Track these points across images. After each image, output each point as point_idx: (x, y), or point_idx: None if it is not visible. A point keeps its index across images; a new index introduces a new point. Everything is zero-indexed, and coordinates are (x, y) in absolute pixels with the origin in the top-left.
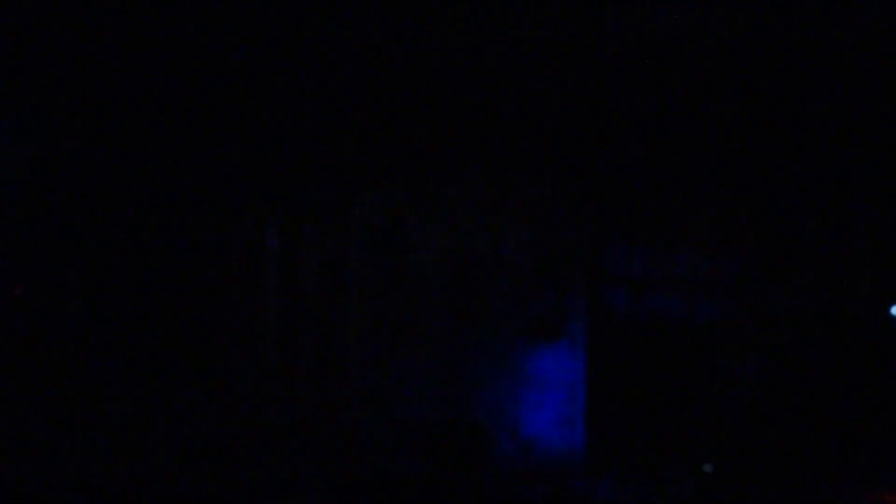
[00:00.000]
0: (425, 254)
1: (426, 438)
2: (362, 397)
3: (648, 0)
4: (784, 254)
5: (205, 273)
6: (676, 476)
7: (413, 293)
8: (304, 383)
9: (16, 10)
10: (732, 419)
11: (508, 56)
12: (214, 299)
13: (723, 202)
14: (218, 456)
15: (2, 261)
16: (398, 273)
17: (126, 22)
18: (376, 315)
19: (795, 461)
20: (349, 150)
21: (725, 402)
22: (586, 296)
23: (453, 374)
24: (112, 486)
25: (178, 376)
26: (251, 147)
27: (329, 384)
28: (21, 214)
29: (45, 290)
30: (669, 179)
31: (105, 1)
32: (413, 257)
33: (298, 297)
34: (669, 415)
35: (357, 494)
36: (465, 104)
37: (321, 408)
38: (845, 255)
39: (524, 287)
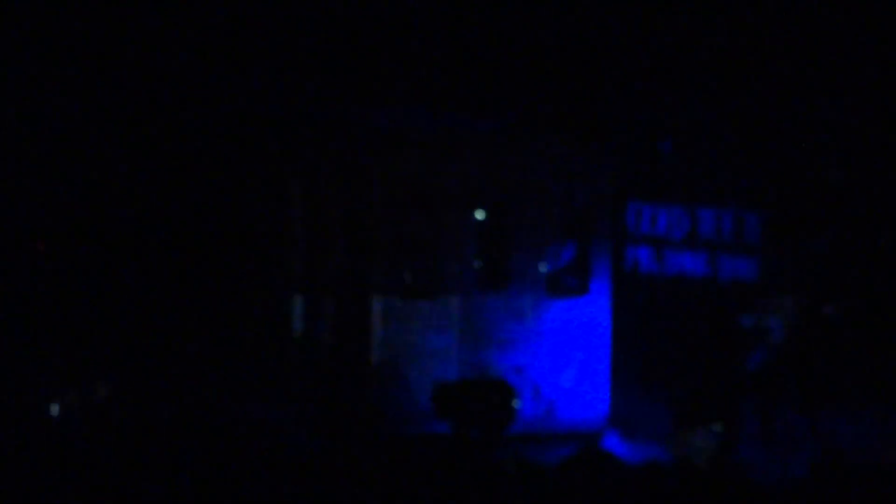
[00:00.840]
0: (448, 212)
1: (450, 399)
2: (386, 359)
3: None
4: (806, 213)
5: (230, 236)
6: (692, 436)
7: (436, 250)
8: (328, 346)
9: None
10: (754, 378)
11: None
12: (239, 262)
13: (746, 161)
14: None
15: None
16: (422, 231)
17: None
18: (400, 273)
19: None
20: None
21: (748, 361)
22: (609, 254)
23: (477, 334)
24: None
25: (203, 342)
26: (278, 107)
27: (352, 347)
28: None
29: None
30: (692, 139)
31: None
32: (436, 215)
33: (321, 255)
34: (691, 374)
35: (381, 454)
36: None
37: (346, 367)
38: (868, 214)
39: (549, 245)
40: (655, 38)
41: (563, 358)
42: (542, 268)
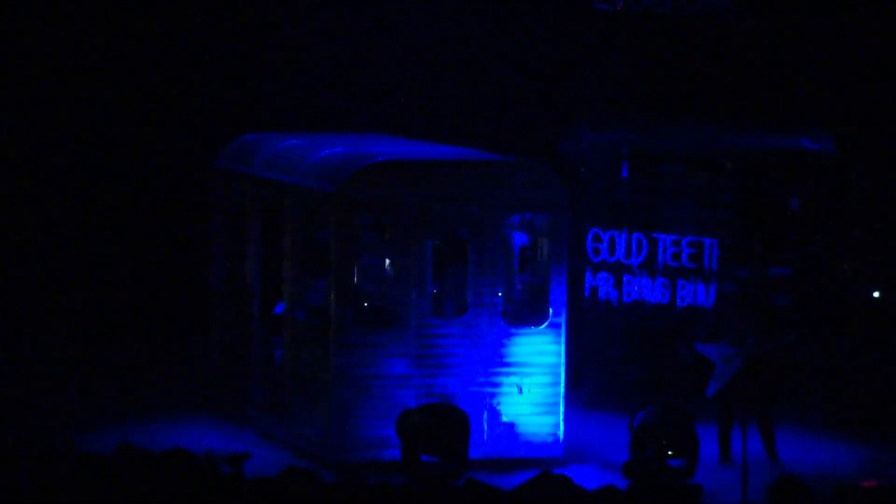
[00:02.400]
0: (405, 240)
1: (408, 426)
2: (343, 383)
3: None
4: (765, 239)
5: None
6: (647, 463)
7: (393, 278)
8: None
9: None
10: (715, 406)
11: None
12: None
13: (705, 188)
14: None
15: None
16: (379, 259)
17: None
18: (356, 300)
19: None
20: None
21: (706, 388)
22: (567, 281)
23: (435, 361)
24: None
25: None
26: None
27: (309, 367)
28: None
29: None
30: (651, 165)
31: None
32: (393, 242)
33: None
34: (649, 401)
35: (340, 483)
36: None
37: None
38: (828, 240)
39: (506, 273)
40: (613, 64)
41: (520, 385)
42: (500, 295)
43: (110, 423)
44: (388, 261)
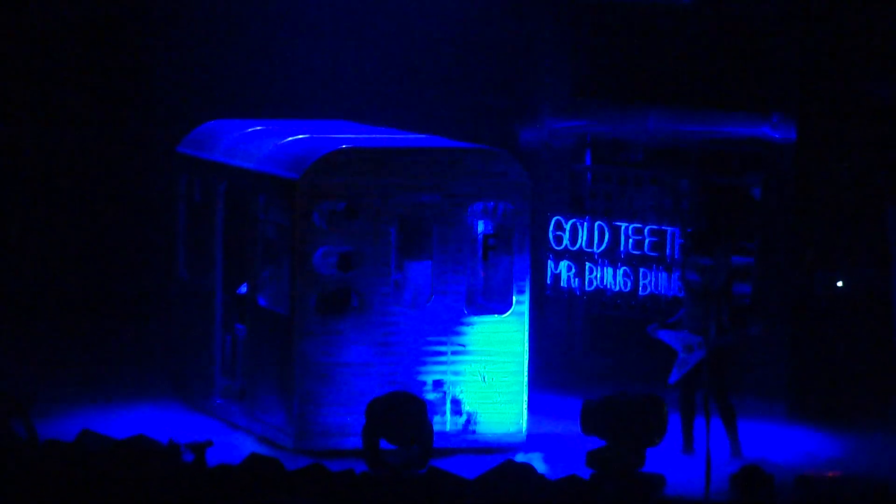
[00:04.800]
0: (367, 227)
1: (370, 414)
2: (306, 371)
3: None
4: (729, 228)
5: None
6: (607, 451)
7: (356, 265)
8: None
9: None
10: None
11: None
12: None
13: (665, 174)
14: None
15: None
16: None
17: None
18: (320, 287)
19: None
20: None
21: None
22: (530, 269)
23: (397, 349)
24: None
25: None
26: None
27: (272, 355)
28: None
29: None
30: (614, 153)
31: None
32: (355, 230)
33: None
34: (611, 390)
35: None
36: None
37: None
38: (792, 229)
39: (469, 261)
40: (576, 52)
41: (483, 373)
42: (463, 283)
43: (73, 410)
44: (350, 248)
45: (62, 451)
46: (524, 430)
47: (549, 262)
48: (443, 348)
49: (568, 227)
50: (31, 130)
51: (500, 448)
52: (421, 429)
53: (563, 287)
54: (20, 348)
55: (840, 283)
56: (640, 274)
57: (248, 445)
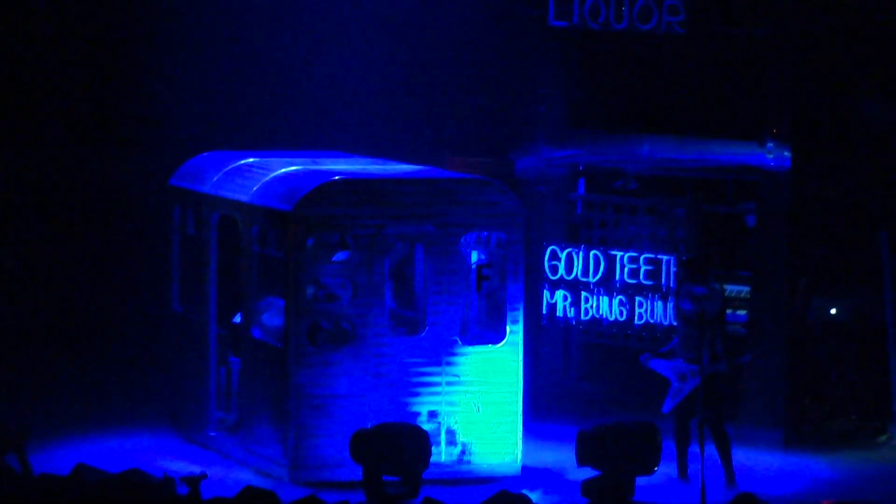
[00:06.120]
0: (361, 257)
1: (364, 445)
2: (301, 402)
3: None
4: (723, 256)
5: None
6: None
7: (349, 296)
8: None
9: None
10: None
11: None
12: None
13: (660, 203)
14: None
15: None
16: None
17: None
18: (313, 318)
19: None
20: None
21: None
22: (525, 298)
23: (391, 379)
24: None
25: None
26: None
27: (266, 386)
28: None
29: None
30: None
31: None
32: (349, 259)
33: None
34: (605, 418)
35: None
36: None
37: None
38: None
39: (463, 290)
40: (570, 81)
41: (477, 403)
42: (457, 313)
43: (67, 443)
44: (343, 280)
45: (57, 484)
46: (519, 459)
47: (545, 291)
48: (437, 378)
49: (563, 256)
50: (22, 162)
51: (494, 478)
52: (419, 459)
53: (559, 317)
54: (13, 381)
55: (834, 311)
56: (636, 303)
57: (243, 478)
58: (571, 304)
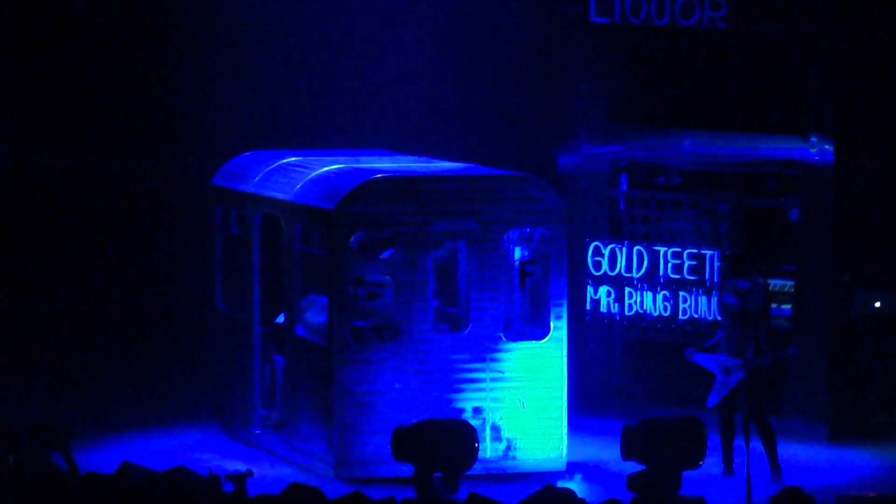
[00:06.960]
0: (405, 254)
1: (410, 442)
2: (345, 399)
3: None
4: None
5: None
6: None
7: (393, 293)
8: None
9: None
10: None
11: None
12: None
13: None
14: None
15: None
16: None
17: None
18: (357, 316)
19: None
20: None
21: (708, 398)
22: (568, 294)
23: (435, 376)
24: None
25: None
26: None
27: (311, 384)
28: None
29: None
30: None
31: None
32: (393, 257)
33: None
34: (649, 414)
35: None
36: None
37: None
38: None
39: (507, 286)
40: (611, 76)
41: (522, 399)
42: (501, 310)
43: (112, 442)
44: (388, 277)
45: (103, 483)
46: (564, 455)
47: (589, 287)
48: (481, 375)
49: (607, 252)
50: (67, 163)
51: (540, 474)
52: (467, 455)
53: (603, 312)
54: (59, 380)
55: (878, 304)
56: (680, 298)
57: (288, 475)
58: (615, 300)
